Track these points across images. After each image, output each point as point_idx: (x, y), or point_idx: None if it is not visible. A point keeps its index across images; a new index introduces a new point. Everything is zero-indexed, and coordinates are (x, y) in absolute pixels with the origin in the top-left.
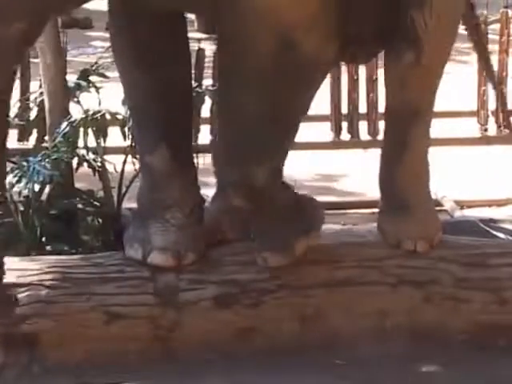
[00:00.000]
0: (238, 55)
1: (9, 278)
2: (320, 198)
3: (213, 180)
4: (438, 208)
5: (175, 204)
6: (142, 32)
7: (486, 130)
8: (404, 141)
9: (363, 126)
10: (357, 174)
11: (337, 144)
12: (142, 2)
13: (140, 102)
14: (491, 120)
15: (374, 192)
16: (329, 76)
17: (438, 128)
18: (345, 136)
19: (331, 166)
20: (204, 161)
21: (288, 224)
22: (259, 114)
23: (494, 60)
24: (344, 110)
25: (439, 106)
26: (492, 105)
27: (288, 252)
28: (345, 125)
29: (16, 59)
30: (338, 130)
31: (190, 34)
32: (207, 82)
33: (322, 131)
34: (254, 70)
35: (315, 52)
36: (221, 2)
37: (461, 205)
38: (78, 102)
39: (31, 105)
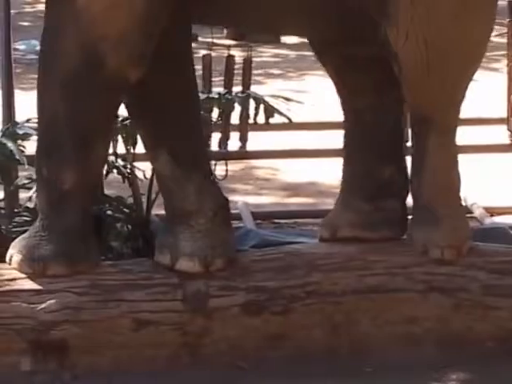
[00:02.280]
0: (51, 52)
1: (38, 284)
2: None
3: (241, 187)
4: (467, 215)
5: (196, 209)
6: None
7: None
8: (423, 148)
9: None
10: None
11: None
12: None
13: (136, 106)
14: None
15: None
16: None
17: (467, 135)
18: None
19: None
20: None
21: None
22: (56, 116)
23: None
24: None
25: (469, 112)
26: None
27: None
28: None
29: None
30: None
31: (219, 41)
32: (237, 88)
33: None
34: (57, 68)
35: (115, 72)
36: None
37: (491, 212)
38: None
39: None
